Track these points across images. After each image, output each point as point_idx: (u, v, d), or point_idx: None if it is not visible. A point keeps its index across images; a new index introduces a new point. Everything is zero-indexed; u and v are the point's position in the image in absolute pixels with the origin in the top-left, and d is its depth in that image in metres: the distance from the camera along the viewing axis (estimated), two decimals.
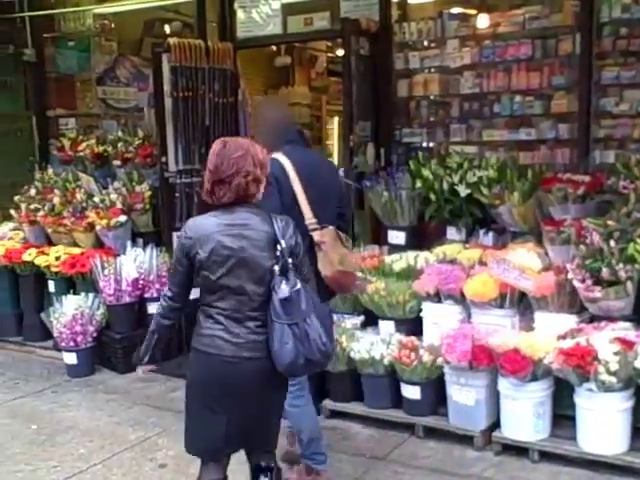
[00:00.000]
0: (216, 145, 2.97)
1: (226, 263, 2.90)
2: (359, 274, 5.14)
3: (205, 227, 2.94)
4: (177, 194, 6.38)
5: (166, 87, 6.33)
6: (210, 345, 2.96)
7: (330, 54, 10.28)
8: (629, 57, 5.47)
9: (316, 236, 3.62)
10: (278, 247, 2.91)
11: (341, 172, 5.97)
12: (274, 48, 9.59)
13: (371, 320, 5.08)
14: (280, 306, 2.88)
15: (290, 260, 2.91)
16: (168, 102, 6.34)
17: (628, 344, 3.95)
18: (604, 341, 3.99)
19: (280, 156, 3.64)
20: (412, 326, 4.87)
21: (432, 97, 6.39)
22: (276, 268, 2.90)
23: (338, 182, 4.02)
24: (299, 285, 2.90)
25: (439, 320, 4.71)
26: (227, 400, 2.98)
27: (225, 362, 2.94)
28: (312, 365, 2.97)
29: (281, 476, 3.40)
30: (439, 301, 4.77)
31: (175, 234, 6.41)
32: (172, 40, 6.32)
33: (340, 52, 7.37)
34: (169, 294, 3.06)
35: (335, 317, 5.09)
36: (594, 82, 5.46)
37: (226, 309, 2.94)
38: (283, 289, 2.88)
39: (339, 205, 3.88)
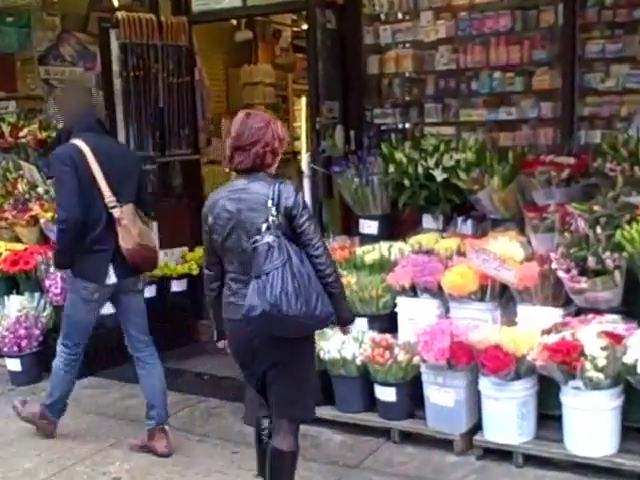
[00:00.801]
0: (239, 115, 3.46)
1: (227, 225, 3.39)
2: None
3: (216, 196, 3.50)
4: None
5: (115, 66, 6.30)
6: (227, 311, 3.49)
7: (295, 28, 10.24)
8: (615, 29, 5.51)
9: (116, 213, 4.36)
10: (268, 205, 3.28)
11: (308, 157, 5.98)
12: (234, 22, 9.51)
13: None
14: (253, 259, 3.25)
15: (272, 218, 3.25)
16: (117, 83, 6.30)
17: (616, 338, 3.99)
18: (591, 335, 4.02)
19: (78, 142, 4.41)
20: (386, 323, 4.88)
21: (405, 74, 6.39)
22: (264, 226, 3.26)
23: (136, 168, 4.71)
24: (269, 239, 3.22)
25: (415, 316, 4.73)
26: (254, 362, 3.47)
27: (238, 325, 3.37)
28: (268, 319, 3.20)
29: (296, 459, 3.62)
30: (415, 295, 4.78)
31: None
32: (121, 14, 6.27)
33: (305, 26, 7.34)
34: (205, 263, 3.64)
35: None
36: (578, 56, 5.49)
37: (234, 272, 3.44)
38: (251, 240, 3.27)
39: (139, 191, 4.57)
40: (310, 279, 3.25)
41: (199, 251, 6.70)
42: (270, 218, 3.27)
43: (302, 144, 9.93)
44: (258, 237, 3.24)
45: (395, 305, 4.86)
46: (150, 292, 6.27)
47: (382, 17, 6.33)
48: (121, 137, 6.34)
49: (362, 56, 6.31)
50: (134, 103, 6.35)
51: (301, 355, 3.50)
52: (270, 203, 3.28)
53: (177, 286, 6.53)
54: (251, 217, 3.33)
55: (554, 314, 4.35)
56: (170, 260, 6.61)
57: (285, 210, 3.31)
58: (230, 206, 3.38)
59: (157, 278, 6.35)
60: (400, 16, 6.33)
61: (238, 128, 3.40)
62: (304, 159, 6.00)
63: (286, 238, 3.27)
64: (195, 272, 6.51)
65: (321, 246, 3.39)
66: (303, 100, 10.24)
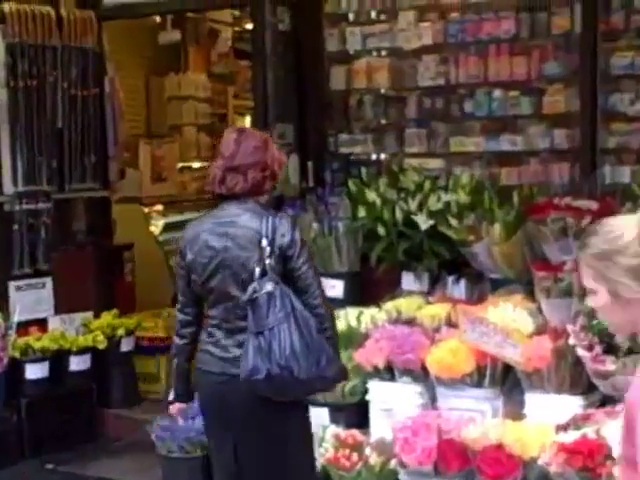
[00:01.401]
0: (231, 132, 3.77)
1: (210, 265, 3.59)
2: None
3: (196, 227, 3.73)
4: (16, 226, 6.33)
5: (0, 72, 6.27)
6: (201, 361, 3.70)
7: (238, 28, 10.32)
8: None
9: None
10: (262, 245, 3.50)
11: None
12: (157, 19, 9.58)
13: None
14: (250, 311, 3.46)
15: (268, 261, 3.48)
16: (3, 93, 6.29)
17: None
18: (619, 432, 4.02)
19: None
20: (354, 415, 4.89)
21: (380, 90, 6.47)
22: (257, 269, 3.48)
23: None
24: (270, 288, 3.43)
25: (392, 405, 4.74)
26: (226, 428, 3.61)
27: (214, 379, 3.61)
28: (276, 383, 3.42)
29: None
30: (392, 378, 4.79)
31: (12, 284, 6.30)
32: (9, 6, 6.27)
33: (251, 26, 7.40)
34: (178, 305, 3.83)
35: None
36: (601, 72, 5.59)
37: (216, 317, 3.66)
38: (249, 290, 3.45)
39: None
40: (315, 332, 3.48)
41: (107, 317, 6.63)
42: (266, 261, 3.48)
43: None
44: (255, 285, 3.44)
45: (366, 391, 4.86)
46: (42, 371, 6.17)
47: (350, 17, 6.40)
48: (5, 166, 6.31)
49: (324, 66, 6.39)
50: (24, 121, 6.33)
51: (292, 423, 3.66)
52: (265, 242, 3.49)
53: (77, 364, 6.42)
54: (240, 257, 3.55)
55: (572, 404, 4.37)
56: (68, 329, 6.52)
57: (280, 250, 3.53)
58: (214, 242, 3.59)
59: (50, 353, 6.25)
60: (373, 16, 6.40)
61: (233, 146, 3.64)
62: None
63: (284, 282, 3.49)
64: (102, 345, 6.43)
65: (320, 295, 3.61)
66: (247, 120, 10.28)
